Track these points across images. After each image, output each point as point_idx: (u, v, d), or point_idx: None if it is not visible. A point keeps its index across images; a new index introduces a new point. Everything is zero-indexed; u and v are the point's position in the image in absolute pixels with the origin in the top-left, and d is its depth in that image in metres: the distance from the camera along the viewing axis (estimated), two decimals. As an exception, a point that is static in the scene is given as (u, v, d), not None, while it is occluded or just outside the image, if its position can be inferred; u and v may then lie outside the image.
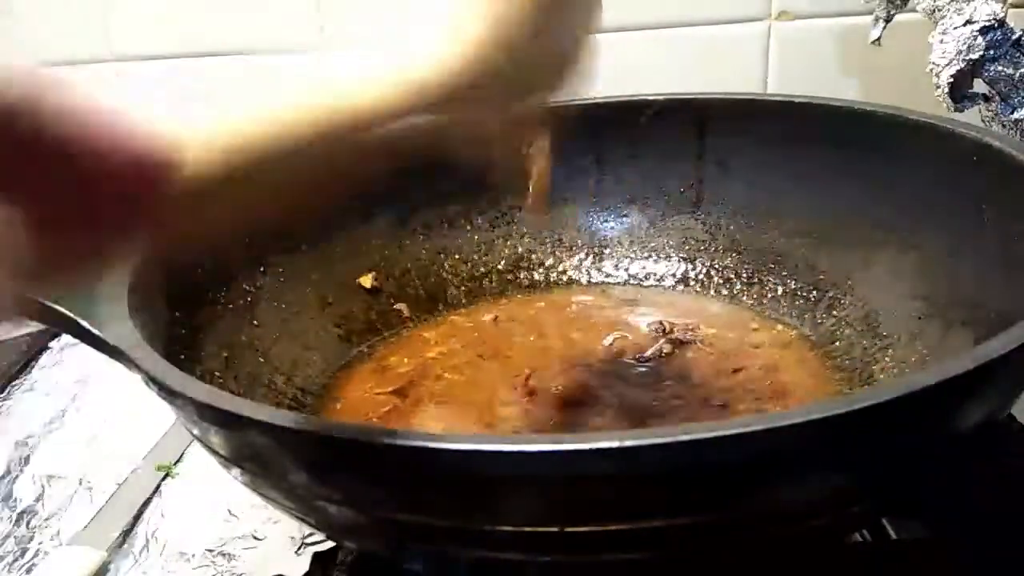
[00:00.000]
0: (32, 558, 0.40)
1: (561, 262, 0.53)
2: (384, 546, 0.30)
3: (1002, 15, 0.45)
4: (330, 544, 0.38)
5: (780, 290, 0.47)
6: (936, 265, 0.39)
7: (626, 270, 0.52)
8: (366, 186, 0.28)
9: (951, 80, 0.46)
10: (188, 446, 0.47)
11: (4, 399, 0.54)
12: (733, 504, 0.24)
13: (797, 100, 0.47)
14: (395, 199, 0.51)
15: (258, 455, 0.28)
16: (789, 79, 0.64)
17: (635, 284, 0.52)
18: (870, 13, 0.51)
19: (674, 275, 0.51)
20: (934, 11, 0.47)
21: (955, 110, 0.47)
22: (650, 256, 0.52)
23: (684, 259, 0.51)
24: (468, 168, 0.49)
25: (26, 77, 0.17)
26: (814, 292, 0.46)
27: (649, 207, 0.52)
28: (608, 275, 0.52)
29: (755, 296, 0.48)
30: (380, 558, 0.35)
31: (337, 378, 0.45)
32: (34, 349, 0.59)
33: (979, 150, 0.37)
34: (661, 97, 0.50)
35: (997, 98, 0.46)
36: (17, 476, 0.47)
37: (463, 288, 0.52)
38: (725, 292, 0.49)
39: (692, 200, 0.51)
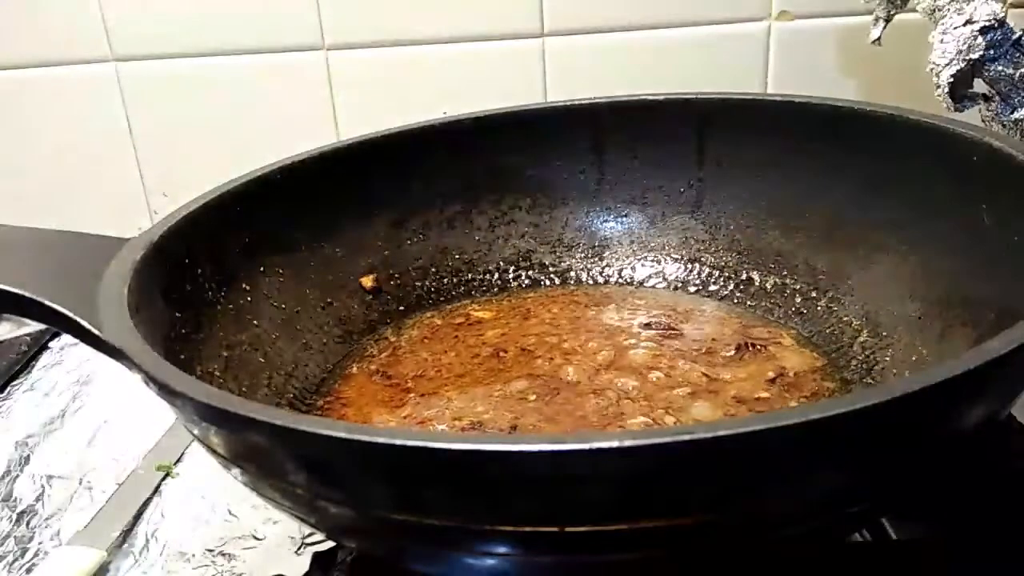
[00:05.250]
0: (32, 558, 0.41)
1: (561, 262, 0.53)
2: (384, 546, 0.30)
3: (1002, 15, 0.45)
4: (330, 544, 0.38)
5: (780, 290, 0.47)
6: (936, 265, 0.39)
7: (626, 270, 0.52)
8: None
9: (951, 80, 0.46)
10: (188, 446, 0.47)
11: (4, 399, 0.54)
12: (733, 504, 0.24)
13: (797, 100, 0.47)
14: (395, 199, 0.51)
15: (258, 455, 0.28)
16: (789, 79, 0.64)
17: (635, 284, 0.52)
18: (870, 13, 0.51)
19: (674, 275, 0.51)
20: (934, 11, 0.47)
21: (955, 110, 0.47)
22: (650, 256, 0.52)
23: (684, 259, 0.51)
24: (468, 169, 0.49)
25: None
26: (814, 292, 0.46)
27: (649, 207, 0.52)
28: (608, 275, 0.52)
29: (755, 296, 0.48)
30: (380, 558, 0.35)
31: (337, 378, 0.45)
32: (34, 349, 0.59)
33: (979, 150, 0.37)
34: (661, 97, 0.50)
35: (997, 98, 0.46)
36: (17, 476, 0.47)
37: (463, 288, 0.52)
38: (725, 292, 0.49)
39: (692, 200, 0.51)
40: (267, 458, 0.27)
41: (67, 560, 0.39)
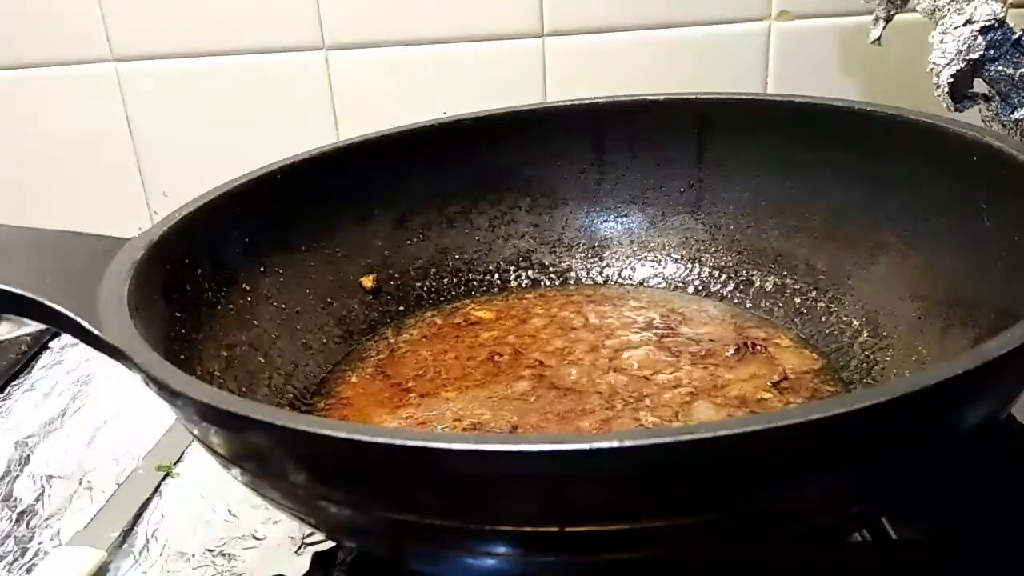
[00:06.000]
0: (32, 558, 0.41)
1: (561, 262, 0.53)
2: (384, 546, 0.30)
3: (1002, 15, 0.45)
4: (330, 544, 0.38)
5: (780, 290, 0.47)
6: (936, 265, 0.39)
7: (626, 270, 0.52)
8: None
9: (951, 80, 0.46)
10: (188, 446, 0.47)
11: (4, 399, 0.54)
12: (733, 504, 0.24)
13: (797, 100, 0.47)
14: (395, 199, 0.51)
15: (258, 455, 0.28)
16: (789, 79, 0.64)
17: (635, 284, 0.52)
18: (870, 13, 0.51)
19: (674, 275, 0.51)
20: (934, 11, 0.47)
21: (955, 110, 0.47)
22: (650, 256, 0.52)
23: (684, 259, 0.51)
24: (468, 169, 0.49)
25: None
26: (814, 292, 0.46)
27: (649, 207, 0.52)
28: (608, 275, 0.52)
29: (755, 296, 0.48)
30: (380, 558, 0.35)
31: (337, 378, 0.45)
32: (34, 349, 0.59)
33: (979, 150, 0.37)
34: (661, 97, 0.50)
35: (997, 98, 0.46)
36: (17, 476, 0.47)
37: (463, 288, 0.52)
38: (725, 292, 0.49)
39: (692, 200, 0.51)
40: (267, 458, 0.27)
41: (67, 560, 0.39)
